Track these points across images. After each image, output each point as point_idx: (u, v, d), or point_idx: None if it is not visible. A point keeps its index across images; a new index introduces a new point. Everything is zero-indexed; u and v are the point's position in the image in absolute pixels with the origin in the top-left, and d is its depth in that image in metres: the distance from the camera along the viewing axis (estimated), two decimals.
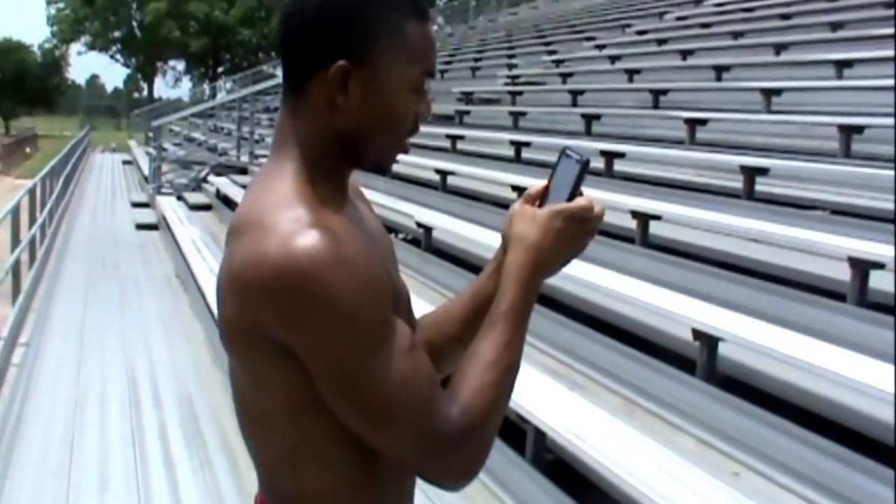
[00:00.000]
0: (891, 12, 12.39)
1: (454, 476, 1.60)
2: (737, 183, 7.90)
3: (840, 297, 5.52)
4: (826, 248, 5.91)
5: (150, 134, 21.87)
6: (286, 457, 1.63)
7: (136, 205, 18.80)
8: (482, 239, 7.94)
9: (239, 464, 5.81)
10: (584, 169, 1.69)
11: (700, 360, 5.12)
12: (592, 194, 6.03)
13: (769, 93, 10.07)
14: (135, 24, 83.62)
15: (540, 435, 4.99)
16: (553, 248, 1.68)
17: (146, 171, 21.42)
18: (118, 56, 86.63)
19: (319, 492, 1.63)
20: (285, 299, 1.47)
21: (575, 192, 1.70)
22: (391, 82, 1.62)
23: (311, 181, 1.61)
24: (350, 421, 1.54)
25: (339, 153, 1.65)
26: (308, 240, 1.48)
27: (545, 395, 5.29)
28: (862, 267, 5.35)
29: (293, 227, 1.50)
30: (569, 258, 1.73)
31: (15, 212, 10.92)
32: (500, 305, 1.65)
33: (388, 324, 1.54)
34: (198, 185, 17.88)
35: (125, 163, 32.79)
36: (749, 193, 7.66)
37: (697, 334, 5.09)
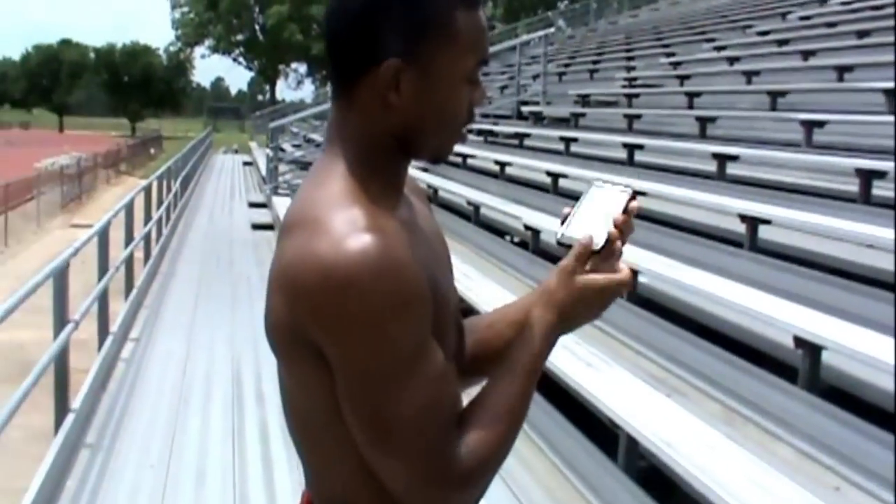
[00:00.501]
0: None
1: None
2: (852, 186, 7.63)
3: None
4: None
5: (270, 135, 22.19)
6: (330, 459, 1.60)
7: (253, 205, 19.09)
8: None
9: None
10: (633, 198, 1.64)
11: (802, 368, 4.94)
12: (701, 198, 5.93)
13: (892, 93, 9.73)
14: (257, 27, 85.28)
15: (632, 442, 4.86)
16: (578, 314, 1.64)
17: (264, 172, 21.73)
18: (241, 59, 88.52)
19: (363, 496, 1.59)
20: (324, 301, 1.44)
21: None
22: (444, 76, 1.58)
23: (364, 179, 1.57)
24: (356, 433, 1.51)
25: (393, 149, 1.62)
26: (358, 245, 1.44)
27: (642, 400, 5.18)
28: None
29: (346, 228, 1.47)
30: (590, 320, 1.68)
31: (129, 209, 11.13)
32: (522, 356, 1.61)
33: (421, 347, 1.50)
34: None
35: (245, 164, 33.40)
36: (865, 197, 7.39)
37: (799, 342, 4.91)
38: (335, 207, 1.51)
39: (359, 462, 1.54)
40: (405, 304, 1.46)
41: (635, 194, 1.64)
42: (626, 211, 1.63)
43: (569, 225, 1.65)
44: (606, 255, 1.61)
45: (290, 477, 5.88)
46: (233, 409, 7.12)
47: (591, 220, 1.63)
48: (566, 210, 1.68)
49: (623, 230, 1.62)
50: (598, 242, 1.60)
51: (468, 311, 6.16)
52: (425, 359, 1.50)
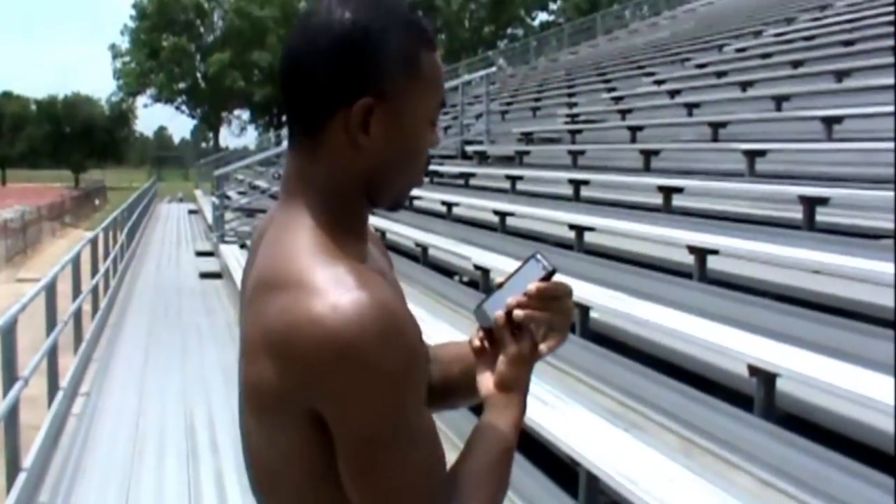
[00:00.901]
0: None
1: None
2: (797, 214, 7.73)
3: None
4: (888, 278, 5.71)
5: (215, 183, 22.09)
6: None
7: (200, 253, 18.97)
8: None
9: None
10: (547, 279, 1.62)
11: (758, 396, 4.96)
12: (648, 231, 5.98)
13: (830, 121, 9.89)
14: (199, 75, 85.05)
15: (592, 478, 4.85)
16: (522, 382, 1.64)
17: (210, 220, 21.62)
18: (184, 107, 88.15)
19: None
20: (327, 368, 1.38)
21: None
22: (412, 116, 1.55)
23: (334, 230, 1.53)
24: (356, 496, 1.46)
25: (359, 195, 1.56)
26: (356, 306, 1.39)
27: (599, 436, 5.17)
28: None
29: (336, 288, 1.41)
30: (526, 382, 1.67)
31: (76, 262, 11.02)
32: (508, 417, 1.61)
33: (420, 407, 1.47)
34: None
35: (191, 212, 33.21)
36: (809, 224, 7.48)
37: (753, 370, 4.94)
38: (315, 264, 1.45)
39: None
40: (410, 365, 1.42)
41: (551, 274, 1.62)
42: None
43: (487, 299, 1.65)
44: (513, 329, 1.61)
45: None
46: (188, 461, 7.04)
47: (504, 296, 1.63)
48: (500, 279, 1.67)
49: (527, 306, 1.60)
50: (490, 320, 1.61)
51: None
52: (422, 418, 1.47)
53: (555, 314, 1.62)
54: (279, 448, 1.49)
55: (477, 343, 1.66)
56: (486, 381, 1.65)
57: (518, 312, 1.59)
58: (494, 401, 1.62)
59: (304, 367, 1.39)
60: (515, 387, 1.62)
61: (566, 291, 1.63)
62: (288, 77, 1.54)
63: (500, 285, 1.65)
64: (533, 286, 1.60)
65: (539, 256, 1.65)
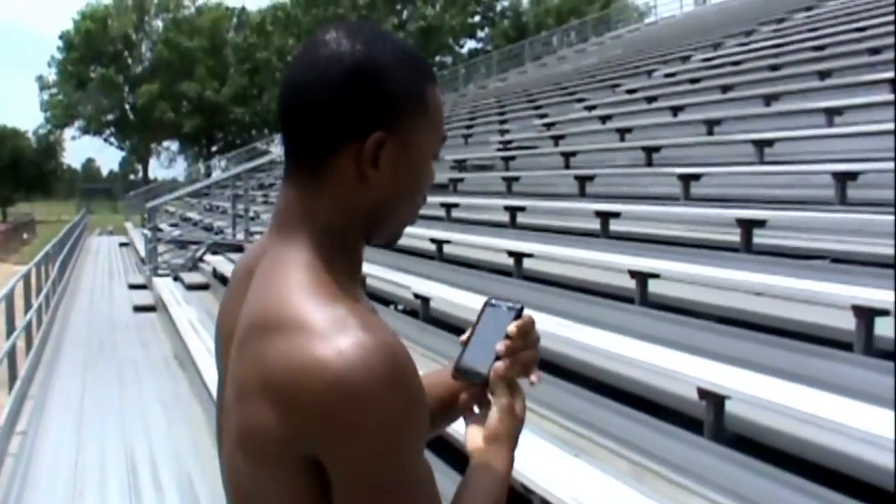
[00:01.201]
0: (876, 59, 12.44)
1: None
2: (734, 237, 7.82)
3: (846, 346, 5.40)
4: (828, 298, 5.80)
5: (146, 215, 21.85)
6: None
7: (133, 286, 18.72)
8: (479, 307, 7.79)
9: None
10: (518, 317, 1.61)
11: (707, 419, 4.99)
12: (587, 256, 6.01)
13: (761, 144, 10.04)
14: (127, 106, 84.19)
15: None
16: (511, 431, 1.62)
17: (142, 253, 21.37)
18: (112, 139, 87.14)
19: None
20: (333, 414, 1.34)
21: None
22: (420, 150, 1.53)
23: (332, 267, 1.48)
24: None
25: (358, 231, 1.54)
26: (361, 351, 1.35)
27: (550, 462, 5.16)
28: (867, 315, 5.24)
29: (339, 331, 1.37)
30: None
31: (9, 298, 10.82)
32: (499, 471, 1.59)
33: (422, 447, 1.44)
34: (194, 264, 17.80)
35: (122, 245, 32.80)
36: (747, 246, 7.57)
37: (703, 393, 4.97)
38: (314, 305, 1.41)
39: None
40: (415, 409, 1.40)
41: (521, 311, 1.62)
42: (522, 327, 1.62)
43: (462, 356, 1.63)
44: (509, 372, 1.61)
45: None
46: (130, 498, 6.91)
47: (481, 348, 1.61)
48: (463, 336, 1.66)
49: (515, 349, 1.60)
50: (482, 374, 1.59)
51: None
52: (423, 462, 1.44)
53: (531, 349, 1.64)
54: (271, 491, 1.45)
55: (467, 400, 1.66)
56: (474, 436, 1.62)
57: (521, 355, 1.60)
58: (484, 455, 1.60)
59: (310, 414, 1.36)
60: (507, 440, 1.61)
61: (533, 322, 1.64)
62: (291, 109, 1.51)
63: (467, 341, 1.64)
64: (513, 327, 1.59)
65: (494, 301, 1.65)
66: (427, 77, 1.54)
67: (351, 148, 1.47)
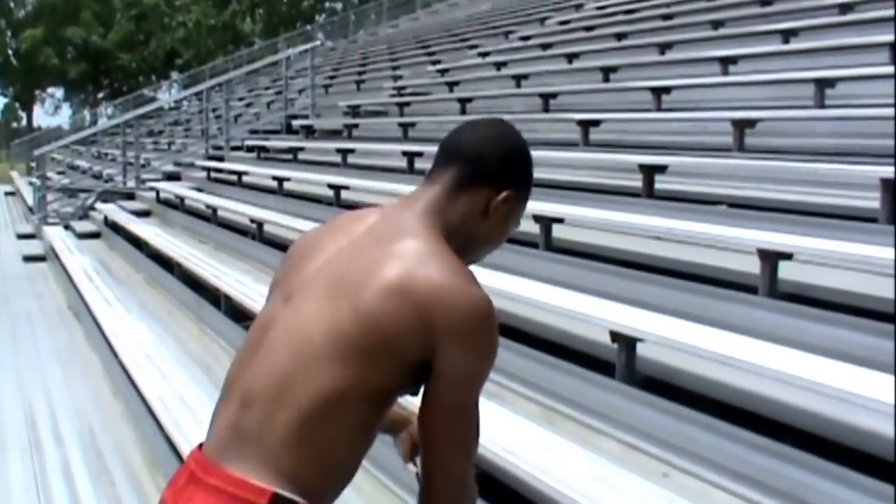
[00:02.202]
0: (767, 10, 12.66)
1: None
2: (635, 182, 7.90)
3: (750, 289, 5.50)
4: (732, 242, 5.91)
5: (33, 164, 21.21)
6: (333, 432, 2.02)
7: (21, 236, 18.16)
8: None
9: (150, 499, 5.56)
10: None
11: (619, 362, 5.05)
12: None
13: (658, 91, 10.14)
14: (10, 51, 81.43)
15: None
16: None
17: (30, 202, 20.77)
18: None
19: (344, 464, 2.09)
20: (472, 327, 2.01)
21: None
22: (517, 214, 2.23)
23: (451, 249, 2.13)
24: (435, 413, 2.04)
25: (459, 243, 2.14)
26: (487, 299, 2.05)
27: None
28: (772, 259, 5.35)
29: (477, 284, 2.06)
30: None
31: None
32: None
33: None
34: (85, 213, 17.36)
35: (7, 194, 31.83)
36: (649, 192, 7.66)
37: (615, 336, 5.02)
38: (457, 264, 2.07)
39: (349, 433, 2.05)
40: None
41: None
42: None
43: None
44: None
45: None
46: (31, 454, 6.72)
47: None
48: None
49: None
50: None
51: None
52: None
53: None
54: (356, 377, 2.00)
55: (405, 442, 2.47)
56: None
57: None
58: None
59: (456, 322, 1.99)
60: None
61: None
62: (473, 149, 2.18)
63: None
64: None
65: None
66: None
67: (490, 190, 2.16)
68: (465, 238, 2.15)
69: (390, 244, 2.07)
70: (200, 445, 2.16)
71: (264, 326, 2.16)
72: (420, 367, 2.02)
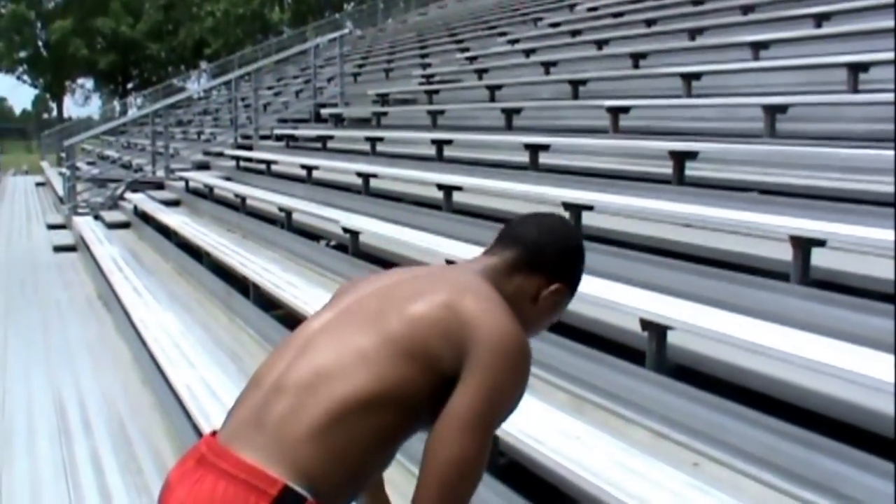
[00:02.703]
0: None
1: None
2: (666, 169, 7.84)
3: (781, 276, 5.44)
4: (764, 229, 5.84)
5: (63, 154, 21.31)
6: (352, 430, 2.06)
7: (52, 226, 18.27)
8: (410, 240, 7.78)
9: None
10: None
11: (649, 349, 5.01)
12: (518, 188, 5.97)
13: (688, 77, 10.05)
14: (40, 43, 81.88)
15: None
16: None
17: (60, 192, 20.87)
18: (25, 77, 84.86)
19: (352, 468, 2.09)
20: (507, 352, 2.12)
21: None
22: (561, 307, 2.45)
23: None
24: (453, 420, 2.06)
25: None
26: (526, 340, 2.19)
27: None
28: (804, 245, 5.28)
29: (518, 327, 2.18)
30: None
31: None
32: None
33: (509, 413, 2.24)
34: (114, 203, 17.45)
35: (38, 184, 32.04)
36: (680, 178, 7.60)
37: (646, 324, 4.98)
38: (506, 306, 2.23)
39: (370, 439, 2.09)
40: (523, 391, 2.19)
41: None
42: None
43: None
44: None
45: None
46: (61, 442, 6.76)
47: None
48: None
49: None
50: None
51: (300, 319, 6.02)
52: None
53: None
54: (385, 378, 2.08)
55: None
56: None
57: None
58: None
59: (496, 345, 2.11)
60: None
61: None
62: (532, 240, 2.38)
63: None
64: None
65: None
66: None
67: (542, 280, 2.37)
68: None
69: (447, 278, 2.30)
70: (214, 433, 2.17)
71: (309, 333, 2.24)
72: (446, 385, 2.10)
